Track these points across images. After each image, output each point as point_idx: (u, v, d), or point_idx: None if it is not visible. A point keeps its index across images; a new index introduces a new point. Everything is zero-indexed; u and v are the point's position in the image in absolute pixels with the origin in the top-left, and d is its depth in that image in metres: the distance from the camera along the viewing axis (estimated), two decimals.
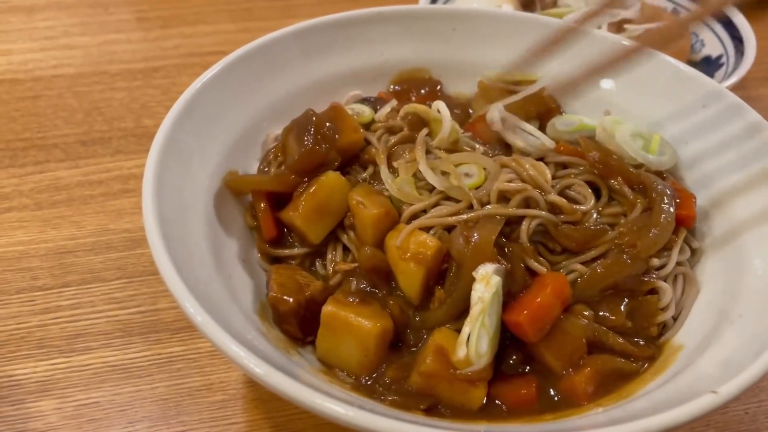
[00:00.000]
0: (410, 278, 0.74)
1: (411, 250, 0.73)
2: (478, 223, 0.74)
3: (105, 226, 1.03)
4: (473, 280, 0.69)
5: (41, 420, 0.79)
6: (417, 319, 0.75)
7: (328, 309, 0.72)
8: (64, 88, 1.30)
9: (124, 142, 1.18)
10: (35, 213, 1.04)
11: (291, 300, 0.73)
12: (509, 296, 0.72)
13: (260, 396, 0.81)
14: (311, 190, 0.79)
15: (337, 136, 0.82)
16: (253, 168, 0.93)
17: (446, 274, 0.74)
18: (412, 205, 0.79)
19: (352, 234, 0.82)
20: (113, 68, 1.36)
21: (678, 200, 0.80)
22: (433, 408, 0.70)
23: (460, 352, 0.68)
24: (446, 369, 0.68)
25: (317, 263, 0.85)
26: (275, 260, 0.84)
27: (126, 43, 1.44)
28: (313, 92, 0.99)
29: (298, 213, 0.79)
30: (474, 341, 0.67)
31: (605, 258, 0.76)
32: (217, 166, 0.86)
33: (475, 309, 0.68)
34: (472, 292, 0.69)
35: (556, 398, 0.70)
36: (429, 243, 0.73)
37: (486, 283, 0.68)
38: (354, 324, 0.71)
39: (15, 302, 0.91)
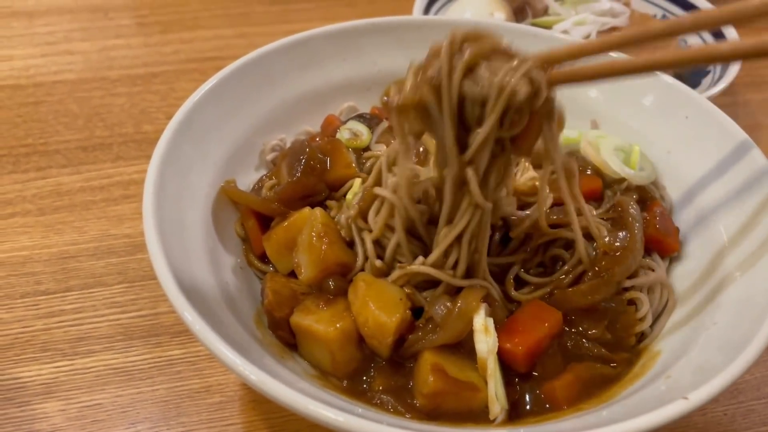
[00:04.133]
0: (377, 349, 0.75)
1: (372, 330, 0.73)
2: (460, 295, 0.74)
3: (106, 232, 1.06)
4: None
5: (46, 421, 0.82)
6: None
7: (293, 319, 0.76)
8: (65, 93, 1.32)
9: (125, 148, 1.21)
10: (38, 218, 1.07)
11: (285, 308, 0.76)
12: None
13: (257, 398, 0.84)
14: (284, 225, 0.82)
15: (328, 169, 0.85)
16: (251, 176, 0.96)
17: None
18: None
19: None
20: (113, 74, 1.38)
21: (659, 225, 0.84)
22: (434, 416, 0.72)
23: (496, 409, 0.69)
24: (450, 383, 0.70)
25: None
26: None
27: (126, 48, 1.46)
28: (308, 102, 1.02)
29: (269, 243, 0.82)
30: (500, 391, 0.70)
31: (582, 281, 0.78)
32: (216, 175, 0.89)
33: (490, 363, 0.70)
34: (477, 344, 0.70)
35: (536, 402, 0.73)
36: (388, 326, 0.72)
37: (486, 331, 0.70)
38: (314, 331, 0.74)
39: (20, 306, 0.94)
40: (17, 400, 0.84)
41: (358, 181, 0.86)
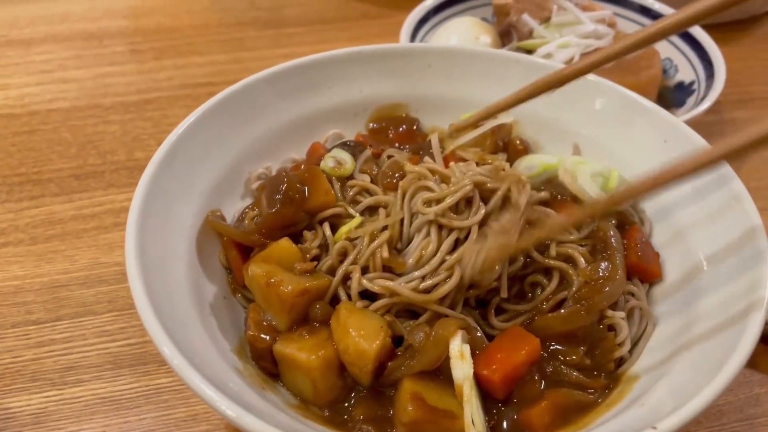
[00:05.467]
0: (358, 377, 0.77)
1: (353, 357, 0.74)
2: (437, 323, 0.76)
3: (97, 260, 1.07)
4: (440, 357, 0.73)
5: None
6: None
7: (275, 348, 0.77)
8: (59, 122, 1.34)
9: (117, 176, 1.23)
10: (30, 248, 1.09)
11: (267, 338, 0.77)
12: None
13: None
14: (260, 255, 0.82)
15: (306, 197, 0.86)
16: (237, 205, 0.97)
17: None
18: None
19: None
20: (107, 101, 1.40)
21: (641, 253, 0.85)
22: None
23: None
24: (429, 411, 0.71)
25: None
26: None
27: (120, 75, 1.48)
28: (294, 130, 1.03)
29: (247, 274, 0.83)
30: (477, 417, 0.71)
31: (562, 308, 0.79)
32: (201, 205, 0.90)
33: (466, 388, 0.71)
34: (453, 371, 0.72)
35: (514, 428, 0.74)
36: (368, 353, 0.73)
37: (462, 357, 0.72)
38: (296, 359, 0.75)
39: (10, 336, 0.96)
40: (6, 431, 0.85)
41: (357, 220, 0.86)
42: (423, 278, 0.79)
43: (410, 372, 0.73)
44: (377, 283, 0.79)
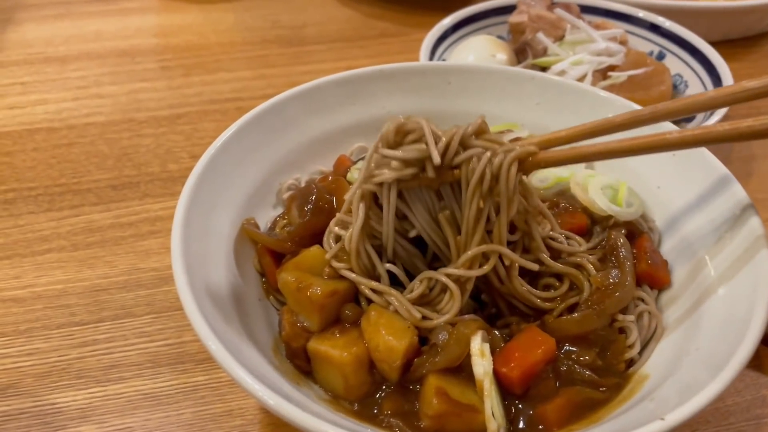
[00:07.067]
0: (386, 373, 0.81)
1: (383, 354, 0.79)
2: (459, 323, 0.81)
3: (135, 265, 1.14)
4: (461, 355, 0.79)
5: None
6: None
7: (309, 345, 0.83)
8: (96, 135, 1.42)
9: (151, 186, 1.30)
10: (72, 254, 1.15)
11: (301, 338, 0.83)
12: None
13: (274, 421, 0.90)
14: (293, 262, 0.88)
15: (335, 207, 0.92)
16: (269, 213, 1.03)
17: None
18: None
19: None
20: (140, 116, 1.48)
21: (650, 261, 0.90)
22: None
23: (493, 426, 0.75)
24: (452, 405, 0.76)
25: None
26: None
27: (152, 91, 1.56)
28: (321, 144, 1.10)
29: (279, 281, 0.87)
30: (496, 409, 0.76)
31: (576, 312, 0.84)
32: (237, 213, 0.97)
33: (486, 383, 0.76)
34: (474, 367, 0.77)
35: (530, 423, 0.79)
36: (397, 350, 0.78)
37: (482, 355, 0.77)
38: (329, 355, 0.81)
39: (56, 336, 1.02)
40: (54, 425, 0.91)
41: None
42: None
43: (434, 368, 0.79)
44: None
